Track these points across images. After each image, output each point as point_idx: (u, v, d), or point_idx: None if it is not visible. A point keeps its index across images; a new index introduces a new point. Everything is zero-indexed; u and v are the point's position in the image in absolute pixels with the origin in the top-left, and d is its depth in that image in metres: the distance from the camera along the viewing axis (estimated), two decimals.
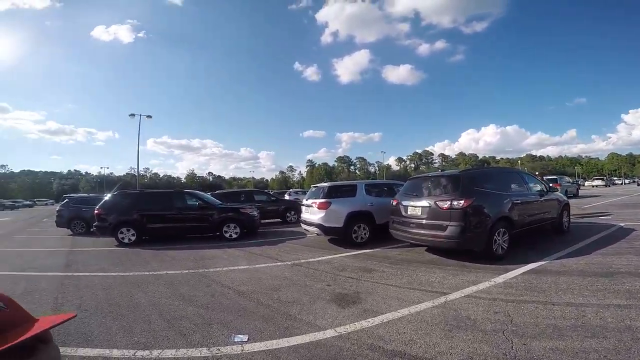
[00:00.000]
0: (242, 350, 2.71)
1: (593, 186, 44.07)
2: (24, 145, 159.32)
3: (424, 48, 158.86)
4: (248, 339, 2.90)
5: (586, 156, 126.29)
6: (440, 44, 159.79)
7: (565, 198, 7.92)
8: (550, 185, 7.40)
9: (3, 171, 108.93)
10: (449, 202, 5.24)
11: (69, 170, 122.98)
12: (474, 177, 5.83)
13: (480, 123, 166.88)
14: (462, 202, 5.13)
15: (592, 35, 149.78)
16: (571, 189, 22.01)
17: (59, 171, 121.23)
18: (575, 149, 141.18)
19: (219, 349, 2.74)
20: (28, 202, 57.05)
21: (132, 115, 31.46)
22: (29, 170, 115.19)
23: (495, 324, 2.91)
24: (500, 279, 4.24)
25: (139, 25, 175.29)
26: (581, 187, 35.28)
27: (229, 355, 2.64)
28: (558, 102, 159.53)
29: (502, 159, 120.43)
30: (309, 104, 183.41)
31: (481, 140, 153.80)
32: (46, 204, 56.51)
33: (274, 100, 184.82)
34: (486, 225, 5.15)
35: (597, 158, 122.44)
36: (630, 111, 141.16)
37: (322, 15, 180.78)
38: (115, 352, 2.75)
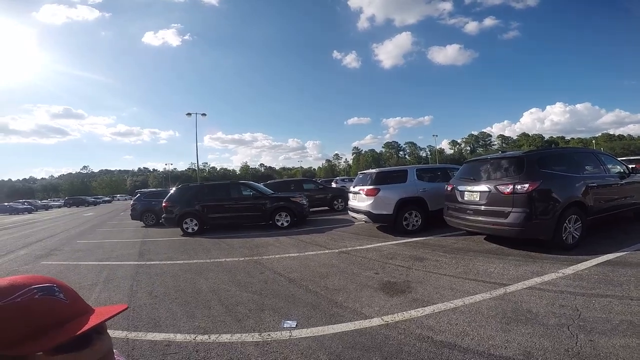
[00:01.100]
0: (290, 336, 2.80)
1: None
2: (100, 147, 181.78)
3: (471, 26, 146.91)
4: (296, 325, 2.99)
5: None
6: (489, 21, 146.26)
7: None
8: (633, 166, 6.45)
9: (85, 171, 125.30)
10: (512, 186, 4.82)
11: (139, 168, 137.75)
12: (541, 159, 5.26)
13: (544, 102, 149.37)
14: (526, 185, 4.69)
15: None
16: None
17: (130, 169, 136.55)
18: None
19: (269, 334, 2.86)
20: (107, 198, 64.07)
21: (189, 114, 33.85)
22: (106, 170, 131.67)
23: (560, 318, 2.65)
24: (569, 270, 3.83)
25: (182, 28, 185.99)
26: None
27: (278, 341, 2.74)
28: (638, 77, 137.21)
29: (572, 139, 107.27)
30: (351, 92, 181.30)
31: (547, 120, 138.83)
32: (125, 199, 62.97)
33: (315, 91, 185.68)
34: (555, 211, 4.65)
35: None
36: None
37: (354, 2, 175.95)
38: (179, 337, 2.93)
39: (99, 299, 4.23)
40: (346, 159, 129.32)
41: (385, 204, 7.11)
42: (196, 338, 2.90)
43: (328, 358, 2.39)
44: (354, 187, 8.29)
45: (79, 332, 0.52)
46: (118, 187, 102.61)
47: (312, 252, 6.01)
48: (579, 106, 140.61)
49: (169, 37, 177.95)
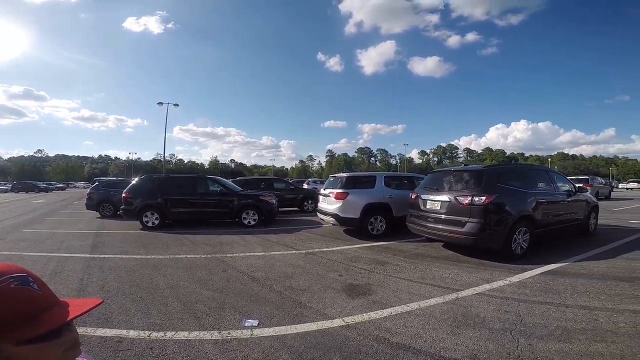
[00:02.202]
0: (251, 334, 2.81)
1: (628, 189, 41.58)
2: (60, 131, 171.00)
3: (454, 40, 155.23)
4: (258, 324, 3.00)
5: (623, 157, 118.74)
6: (471, 36, 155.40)
7: (594, 199, 7.57)
8: (580, 185, 7.08)
9: (39, 155, 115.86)
10: (470, 198, 5.13)
11: (100, 155, 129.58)
12: (498, 173, 5.65)
13: (510, 118, 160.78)
14: (483, 198, 5.01)
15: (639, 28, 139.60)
16: (603, 190, 20.89)
17: (90, 156, 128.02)
18: (613, 149, 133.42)
19: (229, 333, 2.84)
20: (62, 185, 59.60)
21: (160, 103, 32.56)
22: (63, 155, 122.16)
23: (504, 323, 2.88)
24: (515, 278, 4.16)
25: (167, 16, 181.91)
26: (615, 189, 33.37)
27: (239, 339, 2.73)
28: (597, 99, 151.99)
29: (531, 155, 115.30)
30: (331, 94, 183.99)
31: (510, 135, 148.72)
32: (84, 187, 59.25)
33: (296, 90, 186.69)
34: (507, 223, 5.02)
35: (636, 159, 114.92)
36: None
37: (346, 6, 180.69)
38: (132, 333, 2.83)
39: None
40: (319, 161, 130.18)
41: (353, 208, 7.28)
42: (151, 335, 2.81)
43: (290, 357, 2.43)
44: (324, 189, 8.40)
45: (57, 325, 0.53)
46: (74, 173, 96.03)
47: (278, 252, 6.02)
48: (540, 124, 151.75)
49: (151, 24, 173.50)
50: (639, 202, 17.90)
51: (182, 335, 2.81)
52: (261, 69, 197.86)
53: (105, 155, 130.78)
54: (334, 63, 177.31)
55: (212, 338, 2.76)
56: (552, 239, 6.13)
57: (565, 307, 3.19)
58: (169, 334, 2.82)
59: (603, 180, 26.22)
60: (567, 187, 6.61)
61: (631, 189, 41.29)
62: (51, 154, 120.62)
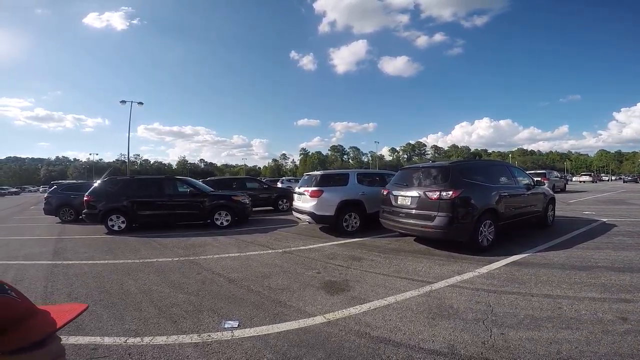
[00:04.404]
0: (232, 336, 2.77)
1: (580, 182, 44.92)
2: (10, 132, 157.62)
3: (422, 40, 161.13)
4: (238, 325, 2.97)
5: (576, 152, 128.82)
6: (439, 37, 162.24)
7: (551, 192, 8.12)
8: (538, 179, 7.57)
9: None
10: (438, 193, 5.33)
11: (57, 157, 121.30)
12: (463, 169, 5.93)
13: (474, 116, 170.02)
14: (450, 192, 5.23)
15: (590, 32, 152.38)
16: (559, 183, 22.44)
17: (46, 157, 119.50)
18: (566, 145, 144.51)
19: (209, 335, 2.79)
20: (15, 189, 55.77)
21: (123, 102, 30.92)
22: (15, 157, 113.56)
23: (477, 313, 3.04)
24: (484, 269, 4.39)
25: (133, 12, 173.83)
26: (569, 182, 35.96)
27: (219, 341, 2.69)
28: (552, 98, 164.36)
29: (493, 152, 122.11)
30: (303, 93, 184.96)
31: (474, 133, 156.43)
32: (43, 190, 55.35)
33: (268, 89, 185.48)
34: (473, 216, 5.26)
35: (587, 154, 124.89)
36: (622, 109, 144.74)
37: (320, 5, 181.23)
38: (107, 340, 2.75)
39: None
40: (293, 160, 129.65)
41: (327, 206, 7.34)
42: (127, 341, 2.73)
43: (274, 357, 2.43)
44: (299, 188, 8.40)
45: (53, 330, 0.51)
46: (29, 177, 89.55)
47: (254, 252, 5.95)
48: (502, 122, 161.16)
49: (115, 20, 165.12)
50: (591, 194, 19.39)
51: (161, 340, 2.75)
52: (232, 67, 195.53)
53: (63, 156, 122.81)
54: (307, 61, 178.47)
55: (192, 341, 2.70)
56: (514, 230, 6.52)
57: (531, 297, 3.41)
58: (147, 339, 2.75)
59: (559, 174, 28.24)
60: (526, 180, 7.05)
61: (583, 181, 44.66)
62: (2, 157, 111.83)
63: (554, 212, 8.02)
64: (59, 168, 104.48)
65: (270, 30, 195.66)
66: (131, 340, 2.73)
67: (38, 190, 57.96)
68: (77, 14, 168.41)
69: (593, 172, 72.29)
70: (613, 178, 62.79)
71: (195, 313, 3.27)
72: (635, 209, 11.13)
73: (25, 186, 67.98)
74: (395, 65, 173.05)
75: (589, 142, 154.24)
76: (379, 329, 2.80)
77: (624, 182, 45.06)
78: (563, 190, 22.41)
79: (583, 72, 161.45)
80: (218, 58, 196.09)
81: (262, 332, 2.83)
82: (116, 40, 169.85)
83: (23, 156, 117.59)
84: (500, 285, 3.79)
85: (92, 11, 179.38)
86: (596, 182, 45.60)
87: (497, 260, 4.78)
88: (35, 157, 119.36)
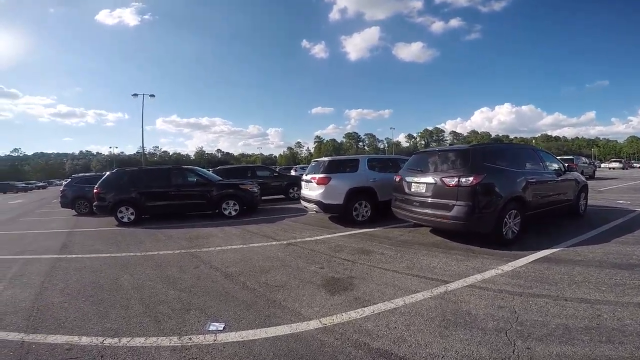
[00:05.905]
0: (214, 340, 2.50)
1: (610, 168, 42.38)
2: (36, 128, 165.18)
3: (437, 26, 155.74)
4: (224, 327, 2.68)
5: (604, 138, 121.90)
6: (455, 22, 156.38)
7: (583, 179, 7.37)
8: (568, 165, 6.84)
9: (16, 154, 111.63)
10: (457, 179, 4.77)
11: (81, 151, 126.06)
12: (485, 153, 5.31)
13: (494, 101, 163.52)
14: (471, 178, 4.66)
15: (618, 15, 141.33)
16: (587, 170, 21.03)
17: (70, 152, 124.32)
18: (593, 131, 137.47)
19: (190, 338, 2.54)
20: (42, 184, 57.47)
21: (135, 95, 31.81)
22: (41, 153, 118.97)
23: (499, 321, 2.57)
24: (508, 267, 3.87)
25: (143, 7, 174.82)
26: (597, 169, 33.96)
27: (199, 346, 2.43)
28: (578, 84, 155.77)
29: (515, 137, 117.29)
30: (317, 81, 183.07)
31: (495, 118, 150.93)
32: (60, 184, 57.43)
33: (282, 78, 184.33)
34: (497, 205, 4.69)
35: (616, 141, 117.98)
36: None
37: None
38: (84, 340, 2.61)
39: (1, 298, 3.62)
40: (308, 148, 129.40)
41: (336, 193, 6.91)
42: (104, 341, 2.56)
43: None
44: (306, 175, 7.99)
45: None
46: (55, 171, 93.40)
47: (257, 244, 5.66)
48: (524, 107, 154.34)
49: (126, 16, 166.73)
50: (622, 181, 18.06)
51: (138, 341, 2.55)
52: (246, 58, 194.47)
53: (86, 150, 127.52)
54: (319, 50, 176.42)
55: (171, 344, 2.47)
56: (543, 221, 5.90)
57: (564, 301, 2.89)
58: (124, 340, 2.56)
59: (587, 160, 26.56)
60: (556, 166, 6.36)
61: (613, 168, 42.14)
62: (29, 153, 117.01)
63: (587, 201, 7.30)
64: (83, 162, 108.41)
65: (281, 20, 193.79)
66: (108, 341, 2.58)
67: (62, 183, 60.33)
68: (89, 12, 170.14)
69: (623, 158, 68.12)
70: None
71: (182, 312, 3.04)
72: None
73: (52, 180, 70.36)
74: (410, 51, 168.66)
75: (618, 129, 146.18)
76: (381, 339, 2.40)
77: None
78: (592, 177, 20.98)
79: (611, 57, 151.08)
80: (231, 50, 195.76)
81: (248, 337, 2.53)
82: (130, 35, 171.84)
83: (49, 151, 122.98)
84: (528, 286, 3.27)
85: (103, 8, 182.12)
86: (627, 169, 42.81)
87: (524, 256, 4.21)
88: (61, 152, 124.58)
